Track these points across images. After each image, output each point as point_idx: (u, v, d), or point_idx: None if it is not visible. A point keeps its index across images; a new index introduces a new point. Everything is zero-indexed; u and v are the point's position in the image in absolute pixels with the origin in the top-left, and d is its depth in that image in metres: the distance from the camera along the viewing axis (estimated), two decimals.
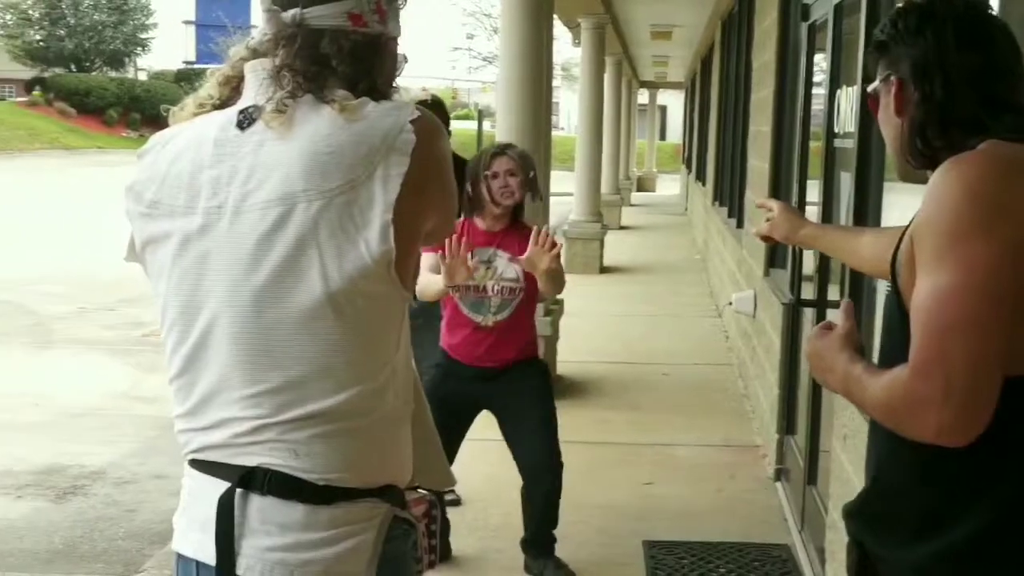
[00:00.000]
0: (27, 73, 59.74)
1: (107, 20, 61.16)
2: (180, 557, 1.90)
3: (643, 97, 35.83)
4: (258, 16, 1.95)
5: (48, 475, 6.15)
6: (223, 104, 1.92)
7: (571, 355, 8.32)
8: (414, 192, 1.76)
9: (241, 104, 1.87)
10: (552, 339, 7.59)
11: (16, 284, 12.85)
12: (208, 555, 1.81)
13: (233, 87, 1.93)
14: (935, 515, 1.72)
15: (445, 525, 4.65)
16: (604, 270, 14.30)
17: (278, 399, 1.78)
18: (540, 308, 7.25)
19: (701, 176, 18.31)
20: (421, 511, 2.01)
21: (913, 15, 1.82)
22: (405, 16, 1.97)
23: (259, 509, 1.79)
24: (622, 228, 20.19)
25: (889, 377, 1.66)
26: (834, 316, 1.96)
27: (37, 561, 4.99)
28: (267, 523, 1.79)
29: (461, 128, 28.61)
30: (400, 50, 1.98)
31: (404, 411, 1.91)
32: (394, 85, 1.94)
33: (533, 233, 4.19)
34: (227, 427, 1.82)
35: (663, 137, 56.83)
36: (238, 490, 1.79)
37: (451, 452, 4.45)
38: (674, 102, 48.89)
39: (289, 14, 1.85)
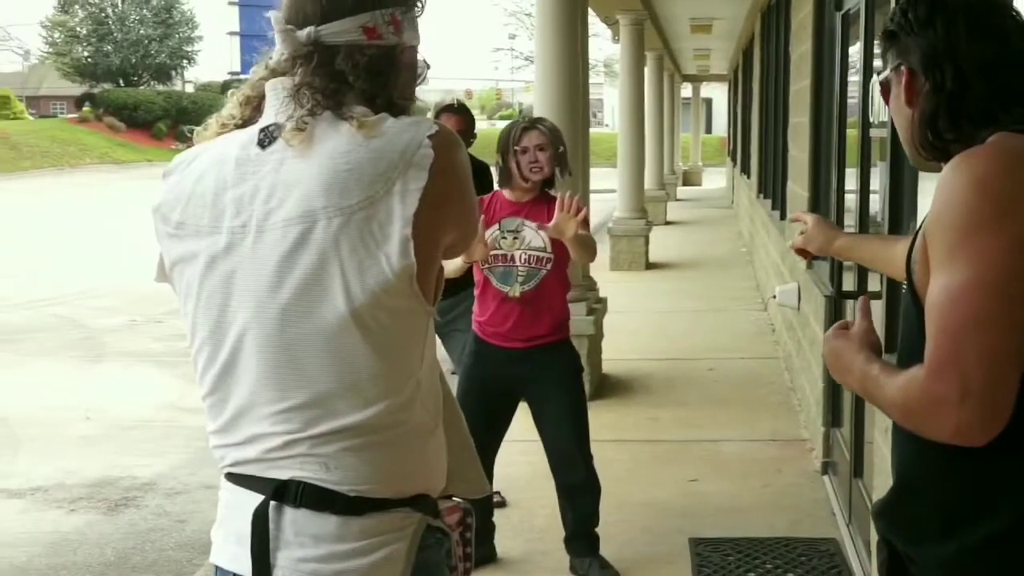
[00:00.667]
0: (76, 89, 60.66)
1: (153, 34, 61.89)
2: (218, 569, 1.92)
3: (686, 91, 35.67)
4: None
5: (100, 487, 6.23)
6: (245, 123, 1.95)
7: (617, 353, 8.30)
8: (433, 206, 1.77)
9: (262, 123, 1.89)
10: (596, 338, 7.58)
11: (67, 298, 13.05)
12: (245, 567, 1.83)
13: (254, 107, 1.95)
14: (961, 511, 1.70)
15: (490, 528, 4.66)
16: (650, 266, 14.26)
17: (307, 414, 1.80)
18: (583, 307, 7.27)
19: (746, 169, 18.20)
20: (455, 519, 2.01)
21: (923, 5, 1.80)
22: (448, 20, 2.00)
23: (292, 521, 1.81)
24: (668, 223, 20.12)
25: (905, 378, 1.65)
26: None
27: (90, 573, 5.07)
28: (301, 535, 1.81)
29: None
30: (421, 56, 1.98)
31: (432, 423, 1.91)
32: (414, 96, 1.96)
33: (559, 199, 4.18)
34: (259, 442, 1.84)
35: (709, 130, 56.49)
36: (272, 503, 1.81)
37: (493, 447, 4.55)
38: (719, 95, 48.54)
39: (304, 32, 1.87)
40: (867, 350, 1.78)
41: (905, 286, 1.80)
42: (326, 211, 1.75)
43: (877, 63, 1.97)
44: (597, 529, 4.58)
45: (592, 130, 9.25)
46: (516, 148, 4.32)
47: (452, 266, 4.18)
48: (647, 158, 19.23)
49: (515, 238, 4.37)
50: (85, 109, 55.22)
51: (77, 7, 62.45)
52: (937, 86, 1.76)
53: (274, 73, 1.92)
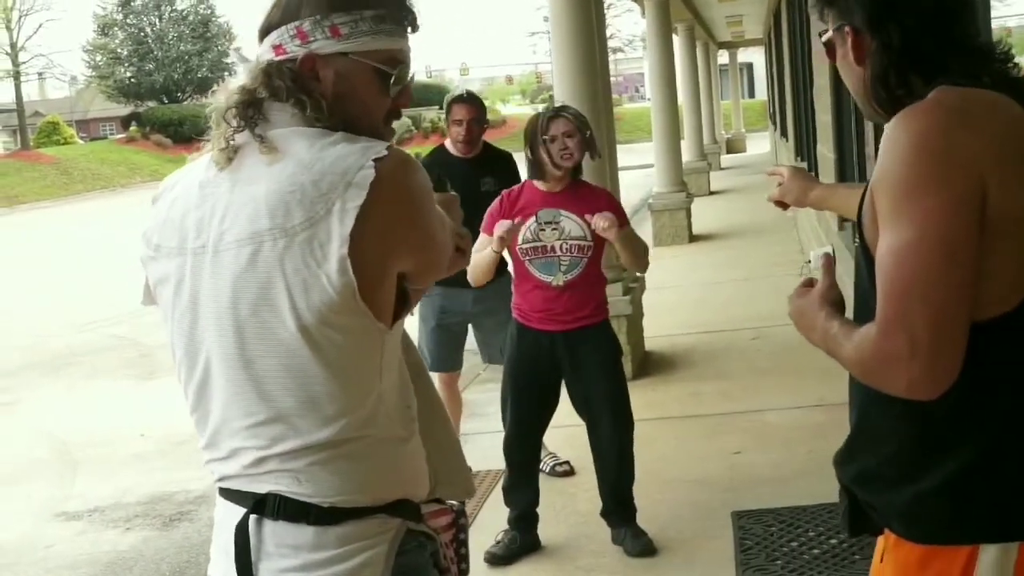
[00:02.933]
0: (123, 110, 61.43)
1: (192, 49, 62.46)
2: None
3: (723, 58, 35.40)
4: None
5: (155, 504, 6.34)
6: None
7: (659, 330, 8.30)
8: (377, 227, 1.78)
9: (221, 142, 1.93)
10: (635, 317, 7.57)
11: (124, 317, 13.23)
12: None
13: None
14: (915, 458, 1.74)
15: (532, 519, 4.71)
16: (693, 239, 14.20)
17: (271, 431, 1.84)
18: (619, 287, 7.27)
19: (784, 132, 18.06)
20: (444, 522, 2.04)
21: None
22: (484, 8, 1.95)
23: (272, 533, 1.87)
24: (712, 194, 20.00)
25: (859, 335, 1.67)
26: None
27: None
28: (281, 545, 1.86)
29: None
30: (402, 60, 1.96)
31: (404, 432, 1.93)
32: (377, 108, 1.95)
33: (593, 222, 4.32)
34: (237, 457, 1.89)
35: (752, 94, 56.06)
36: (252, 516, 1.87)
37: (543, 425, 4.73)
38: (758, 59, 48.15)
39: (254, 56, 1.93)
40: (828, 307, 1.80)
41: (857, 241, 1.80)
42: (271, 232, 1.79)
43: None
44: (636, 503, 4.67)
45: (633, 105, 9.23)
46: (545, 138, 4.35)
47: (484, 262, 4.34)
48: (685, 130, 19.14)
49: (554, 229, 4.41)
50: (132, 128, 55.91)
51: (117, 29, 63.21)
52: (885, 43, 1.77)
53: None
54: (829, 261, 1.88)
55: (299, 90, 1.88)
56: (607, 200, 4.58)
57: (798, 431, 5.96)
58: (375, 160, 1.79)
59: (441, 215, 1.95)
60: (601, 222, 4.31)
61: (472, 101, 5.55)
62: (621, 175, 10.61)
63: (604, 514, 4.69)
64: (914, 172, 1.61)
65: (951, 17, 1.76)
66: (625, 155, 26.74)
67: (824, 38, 1.90)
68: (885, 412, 1.78)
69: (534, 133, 4.41)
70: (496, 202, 4.52)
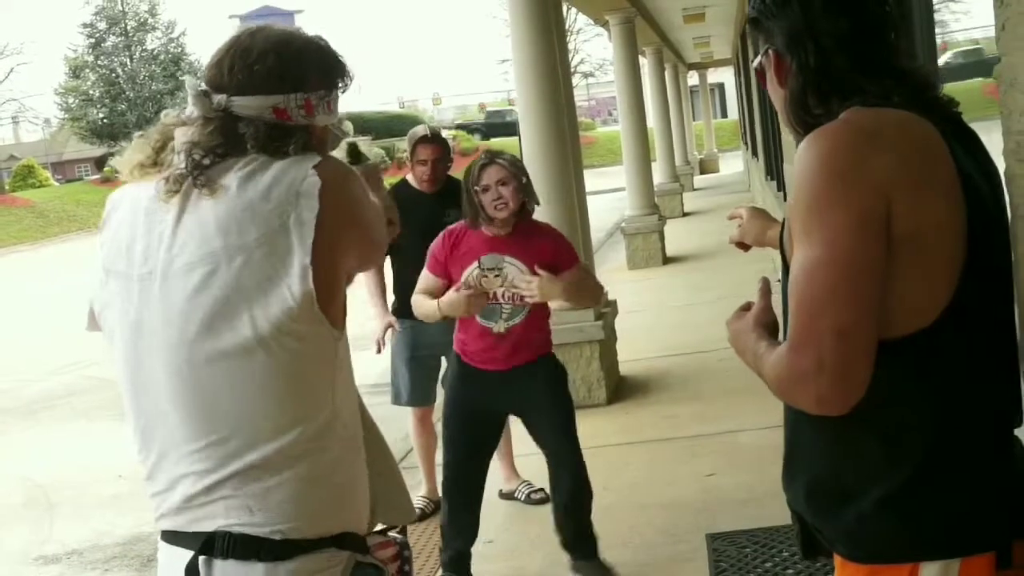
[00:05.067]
0: (97, 151, 61.27)
1: (164, 88, 62.34)
2: None
3: (694, 79, 35.59)
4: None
5: (133, 544, 6.32)
6: (158, 164, 2.02)
7: (634, 354, 8.33)
8: (329, 233, 1.85)
9: (167, 170, 1.97)
10: (608, 342, 7.60)
11: (99, 358, 13.17)
12: None
13: (165, 150, 2.03)
14: (852, 479, 1.76)
15: (466, 559, 4.57)
16: (667, 260, 14.26)
17: (221, 450, 1.86)
18: (591, 313, 7.29)
19: (755, 152, 18.16)
20: (390, 554, 2.06)
21: None
22: (454, 38, 2.08)
23: (222, 573, 1.87)
24: (685, 215, 20.08)
25: (776, 354, 1.71)
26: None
27: None
28: None
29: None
30: (336, 128, 2.08)
31: (351, 453, 1.96)
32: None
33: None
34: (181, 485, 1.90)
35: (724, 114, 56.30)
36: (201, 558, 1.87)
37: (481, 470, 4.54)
38: (730, 79, 48.45)
39: (216, 99, 1.95)
40: (759, 329, 1.84)
41: (781, 265, 1.85)
42: (226, 251, 1.83)
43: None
44: (609, 527, 4.65)
45: (607, 128, 9.25)
46: (477, 188, 4.20)
47: (424, 311, 4.33)
48: (657, 152, 19.24)
49: (496, 275, 4.26)
50: (106, 169, 55.65)
51: (88, 71, 63.07)
52: (801, 65, 1.81)
53: (183, 123, 2.00)
54: (766, 285, 1.92)
55: (272, 142, 1.93)
56: (553, 242, 4.41)
57: (770, 451, 5.86)
58: (314, 168, 1.87)
59: (374, 204, 2.02)
60: (534, 291, 4.18)
61: (436, 141, 5.57)
62: (594, 199, 10.69)
63: (563, 546, 4.55)
64: (820, 191, 1.65)
65: (868, 39, 1.79)
66: (599, 179, 26.91)
67: (755, 63, 1.95)
68: (816, 433, 1.80)
69: (467, 182, 4.26)
70: (439, 239, 4.37)
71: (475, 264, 4.27)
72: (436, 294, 4.29)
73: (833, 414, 1.67)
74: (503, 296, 4.29)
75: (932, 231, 1.64)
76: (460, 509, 4.50)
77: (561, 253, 4.38)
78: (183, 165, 1.91)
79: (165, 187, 1.92)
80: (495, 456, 4.82)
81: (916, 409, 1.71)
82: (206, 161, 1.90)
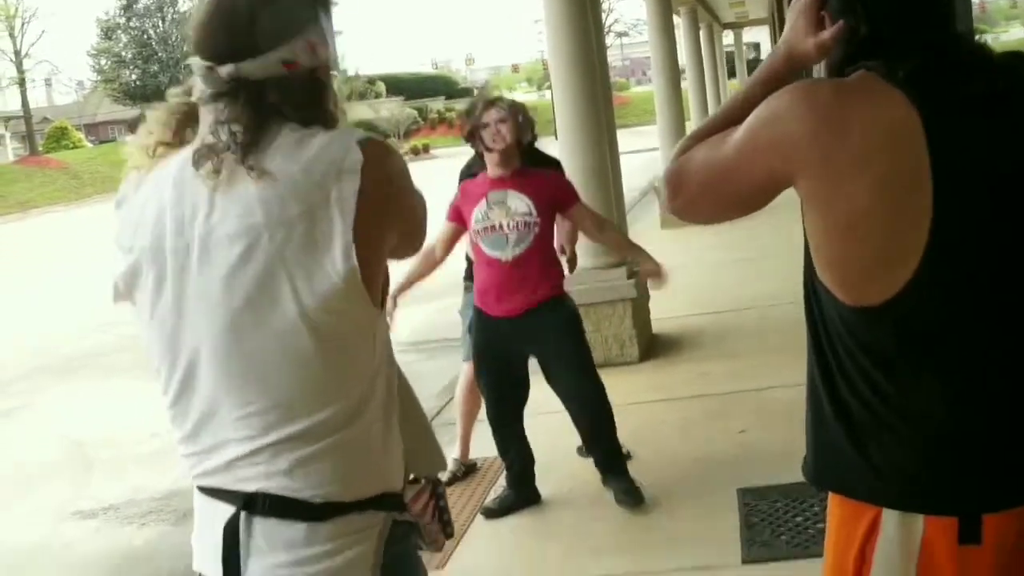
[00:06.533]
0: (129, 112, 61.52)
1: None
2: None
3: (728, 38, 35.27)
4: (341, 23, 1.99)
5: (169, 500, 6.39)
6: (171, 145, 1.98)
7: (667, 312, 8.30)
8: (371, 210, 1.82)
9: (196, 143, 1.92)
10: (641, 300, 7.58)
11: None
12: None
13: (182, 128, 1.99)
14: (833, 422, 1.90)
15: (528, 476, 5.03)
16: None
17: (266, 419, 1.85)
18: (623, 271, 7.29)
19: None
20: (424, 500, 2.06)
21: None
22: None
23: (263, 530, 1.88)
24: None
25: (700, 148, 1.90)
26: None
27: None
28: (272, 542, 1.87)
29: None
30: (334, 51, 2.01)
31: (388, 419, 1.95)
32: (339, 106, 1.98)
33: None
34: (224, 450, 1.90)
35: None
36: (242, 514, 1.87)
37: (520, 410, 4.99)
38: (765, 39, 47.95)
39: (224, 71, 1.87)
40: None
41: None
42: (267, 226, 1.80)
43: None
44: (642, 481, 4.91)
45: (641, 88, 9.20)
46: (478, 124, 4.74)
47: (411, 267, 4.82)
48: (691, 111, 19.10)
49: (501, 207, 4.72)
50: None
51: (120, 32, 63.31)
52: (853, 31, 1.79)
53: (200, 102, 1.93)
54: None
55: (307, 101, 1.90)
56: (552, 179, 4.97)
57: (804, 407, 5.94)
58: (358, 143, 1.83)
59: (414, 184, 1.98)
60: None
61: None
62: (628, 159, 10.62)
63: (596, 465, 4.98)
64: (762, 119, 1.78)
65: (918, 7, 1.78)
66: (633, 138, 26.75)
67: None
68: (816, 399, 1.95)
69: (472, 121, 4.80)
70: (455, 193, 4.93)
71: (484, 199, 4.75)
72: (450, 239, 4.87)
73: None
74: (508, 226, 4.71)
75: (860, 219, 1.70)
76: (508, 435, 5.00)
77: (561, 189, 4.92)
78: (223, 138, 1.86)
79: (201, 158, 1.86)
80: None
81: (889, 372, 1.76)
82: (247, 138, 1.86)
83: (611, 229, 5.27)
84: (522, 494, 5.01)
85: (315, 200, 1.80)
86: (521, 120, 4.76)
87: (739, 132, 1.80)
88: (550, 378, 4.92)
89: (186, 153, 1.92)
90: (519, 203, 4.71)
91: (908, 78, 1.69)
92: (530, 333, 4.77)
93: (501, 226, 4.71)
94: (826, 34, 1.80)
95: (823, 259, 1.77)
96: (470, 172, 5.15)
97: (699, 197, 1.90)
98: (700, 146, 1.87)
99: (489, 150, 4.72)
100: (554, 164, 5.70)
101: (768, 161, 1.76)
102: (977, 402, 1.74)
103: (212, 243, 1.84)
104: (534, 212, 4.70)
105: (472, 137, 4.79)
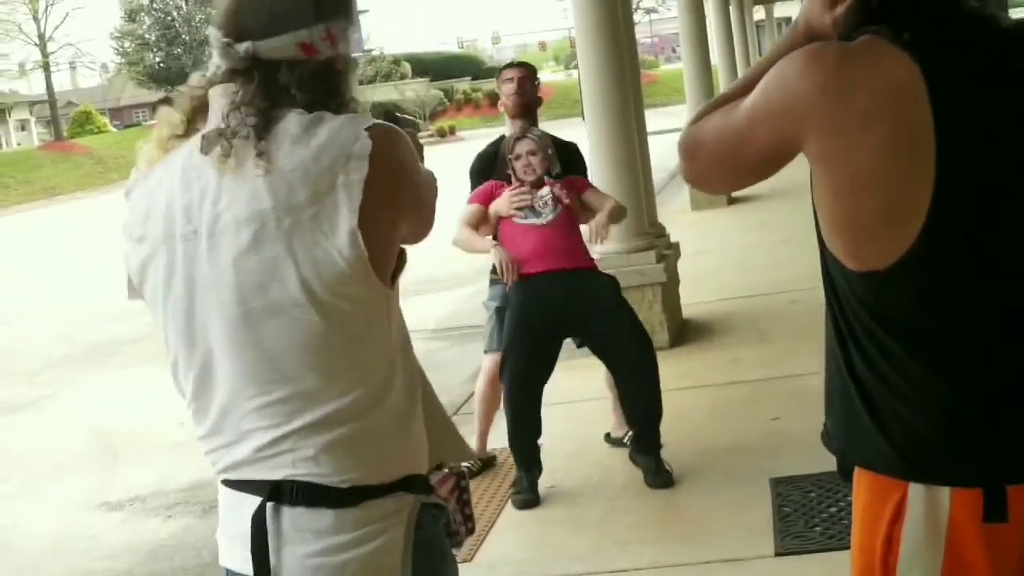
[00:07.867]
0: (154, 95, 61.79)
1: None
2: (228, 572, 1.98)
3: (760, 14, 35.03)
4: (366, 2, 1.99)
5: (195, 491, 6.34)
6: (187, 134, 1.97)
7: (697, 296, 8.21)
8: (380, 196, 1.81)
9: (205, 129, 1.92)
10: (670, 284, 7.47)
11: None
12: (251, 568, 1.89)
13: (196, 116, 1.98)
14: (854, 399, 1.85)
15: (534, 454, 4.99)
16: (732, 201, 13.96)
17: (287, 407, 1.85)
18: (652, 254, 7.20)
19: None
20: (448, 488, 2.07)
21: None
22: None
23: (291, 519, 1.87)
24: None
25: (715, 115, 1.88)
26: None
27: None
28: (301, 531, 1.87)
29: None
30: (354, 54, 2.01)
31: (411, 400, 1.95)
32: (354, 97, 1.98)
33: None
34: (248, 440, 1.88)
35: None
36: (269, 504, 1.86)
37: (541, 388, 4.99)
38: (796, 12, 47.63)
39: (242, 47, 1.88)
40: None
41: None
42: (275, 211, 1.80)
43: None
44: (674, 469, 4.95)
45: (670, 66, 9.09)
46: (511, 156, 5.07)
47: (468, 246, 5.04)
48: (722, 90, 18.88)
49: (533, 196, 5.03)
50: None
51: (143, 15, 63.51)
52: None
53: (211, 83, 1.94)
54: None
55: (317, 89, 1.89)
56: (570, 179, 5.21)
57: None
58: (366, 130, 1.82)
59: (425, 169, 1.98)
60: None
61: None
62: (656, 139, 10.50)
63: (634, 440, 5.09)
64: (766, 80, 1.80)
65: None
66: (661, 119, 26.55)
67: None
68: (836, 370, 1.91)
69: (504, 152, 5.17)
70: (487, 185, 5.16)
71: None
72: (479, 219, 5.05)
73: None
74: (539, 204, 4.98)
75: (867, 178, 1.71)
76: (528, 423, 4.98)
77: (574, 182, 5.21)
78: (233, 123, 1.86)
79: (210, 143, 1.86)
80: (610, 405, 5.41)
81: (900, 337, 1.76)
82: (260, 121, 1.85)
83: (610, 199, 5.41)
84: (534, 475, 5.00)
85: (323, 186, 1.80)
86: (551, 152, 5.10)
87: (749, 98, 1.83)
88: (608, 350, 4.99)
89: (195, 139, 1.92)
90: (547, 195, 5.01)
91: (913, 40, 1.72)
92: (573, 296, 4.87)
93: (532, 207, 4.97)
94: (840, 9, 1.81)
95: (829, 223, 1.79)
96: (487, 162, 5.39)
97: (712, 164, 1.93)
98: (714, 114, 1.90)
99: (521, 182, 5.02)
100: (571, 148, 5.63)
101: (778, 123, 1.79)
102: (990, 368, 1.75)
103: (219, 229, 1.84)
104: (561, 196, 5.01)
105: (504, 165, 5.11)
